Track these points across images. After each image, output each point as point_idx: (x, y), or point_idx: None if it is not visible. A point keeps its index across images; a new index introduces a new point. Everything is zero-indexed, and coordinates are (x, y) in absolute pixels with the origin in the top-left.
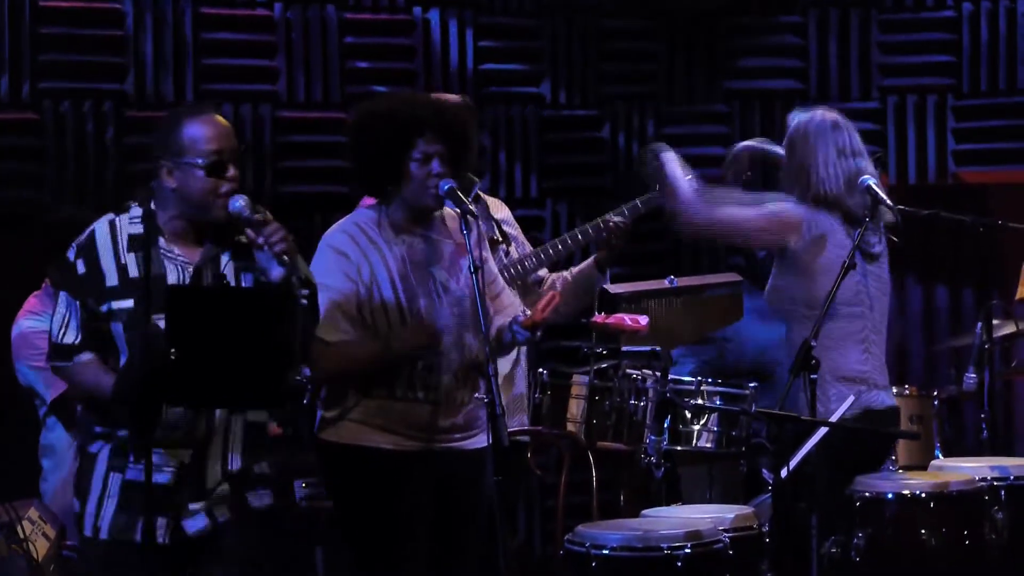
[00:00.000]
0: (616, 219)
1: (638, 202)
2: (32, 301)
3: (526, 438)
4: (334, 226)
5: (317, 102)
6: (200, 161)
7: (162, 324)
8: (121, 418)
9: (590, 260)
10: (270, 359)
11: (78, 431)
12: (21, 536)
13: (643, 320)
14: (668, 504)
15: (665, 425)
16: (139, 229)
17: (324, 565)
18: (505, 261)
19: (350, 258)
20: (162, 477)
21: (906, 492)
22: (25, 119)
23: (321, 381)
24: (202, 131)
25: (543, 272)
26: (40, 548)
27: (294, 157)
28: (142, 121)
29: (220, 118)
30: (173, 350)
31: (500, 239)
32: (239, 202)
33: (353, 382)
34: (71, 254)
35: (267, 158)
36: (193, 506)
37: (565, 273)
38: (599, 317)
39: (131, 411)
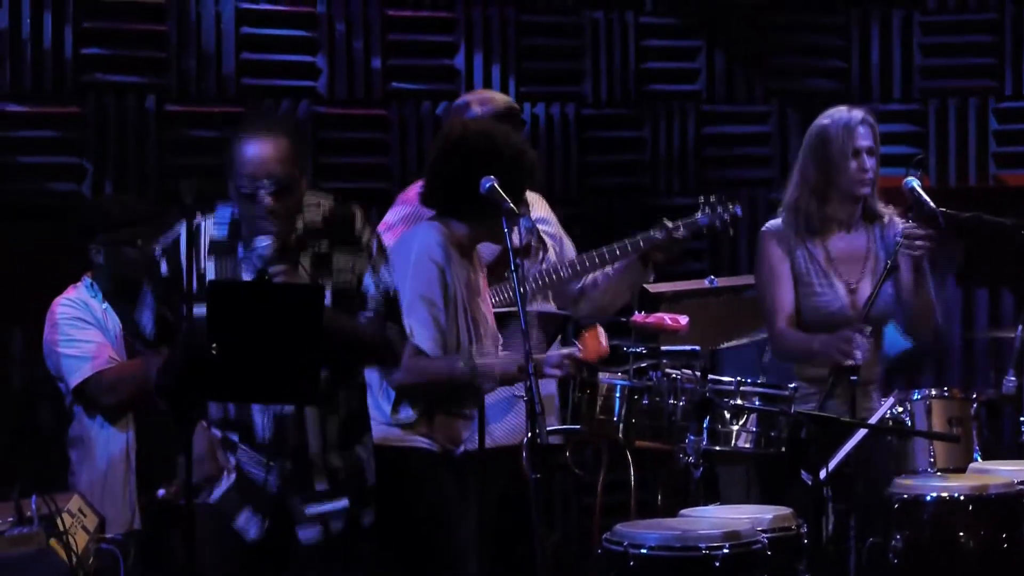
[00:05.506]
0: (683, 232)
1: (681, 224)
2: (70, 290)
3: (557, 439)
4: (428, 235)
5: (358, 99)
6: (237, 184)
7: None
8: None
9: (634, 256)
10: (308, 354)
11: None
12: (61, 529)
13: (683, 320)
14: (706, 504)
15: (704, 425)
16: (222, 233)
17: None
18: (541, 268)
19: (445, 276)
20: (271, 484)
21: (944, 494)
22: (67, 112)
23: (406, 388)
24: (246, 153)
25: (587, 279)
26: (79, 540)
27: (334, 154)
28: (183, 115)
29: (271, 139)
30: (214, 345)
31: (537, 243)
32: (263, 242)
33: (418, 393)
34: (157, 252)
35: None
36: (310, 510)
37: (608, 268)
38: (639, 316)
39: (172, 404)
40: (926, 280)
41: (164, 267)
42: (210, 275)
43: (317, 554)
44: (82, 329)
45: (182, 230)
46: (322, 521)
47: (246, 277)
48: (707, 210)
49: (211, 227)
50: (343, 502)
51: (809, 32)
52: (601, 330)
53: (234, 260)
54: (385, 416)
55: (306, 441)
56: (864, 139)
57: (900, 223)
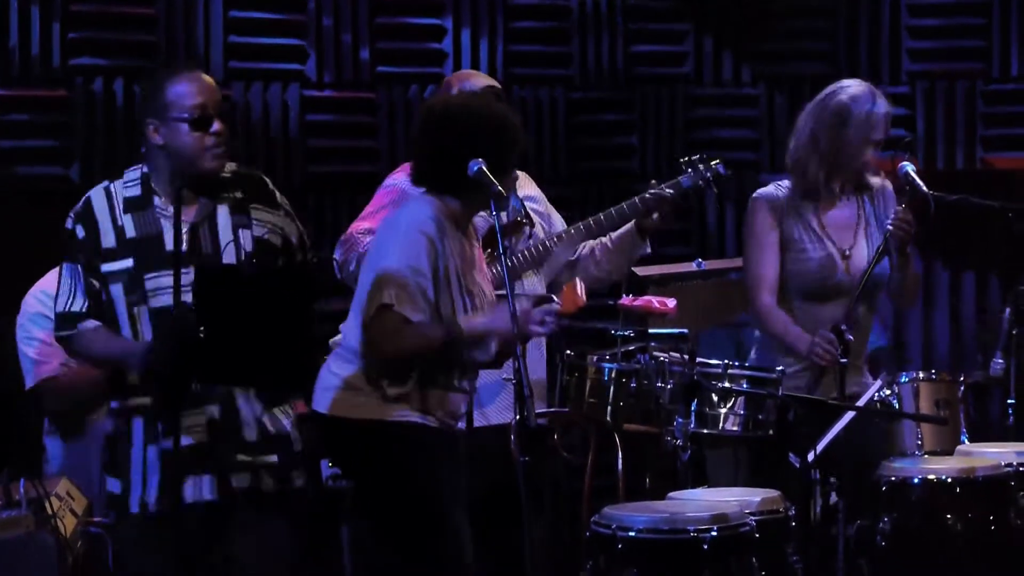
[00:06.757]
0: (668, 191)
1: (665, 186)
2: (50, 277)
3: (544, 421)
4: (419, 209)
5: (346, 82)
6: (185, 116)
7: (159, 283)
8: (139, 388)
9: (630, 226)
10: (297, 339)
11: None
12: (49, 512)
13: (671, 302)
14: (694, 487)
15: (692, 408)
16: (135, 192)
17: (350, 544)
18: (528, 243)
19: (436, 248)
20: (197, 437)
21: (932, 477)
22: (55, 96)
23: (393, 357)
24: (186, 87)
25: (583, 250)
26: (68, 524)
27: (323, 137)
28: None
29: (204, 75)
30: (202, 328)
31: (524, 220)
32: None
33: (409, 365)
34: (69, 222)
35: (296, 138)
36: (241, 458)
37: (604, 240)
38: (627, 299)
39: (160, 387)
40: (911, 259)
41: (80, 232)
42: (128, 230)
43: (249, 504)
44: (44, 328)
45: (92, 195)
46: (253, 470)
47: (165, 227)
48: (689, 171)
49: (122, 188)
50: (273, 457)
51: (797, 15)
52: (578, 281)
53: (152, 213)
54: (377, 391)
55: (232, 390)
56: (880, 133)
57: (890, 189)
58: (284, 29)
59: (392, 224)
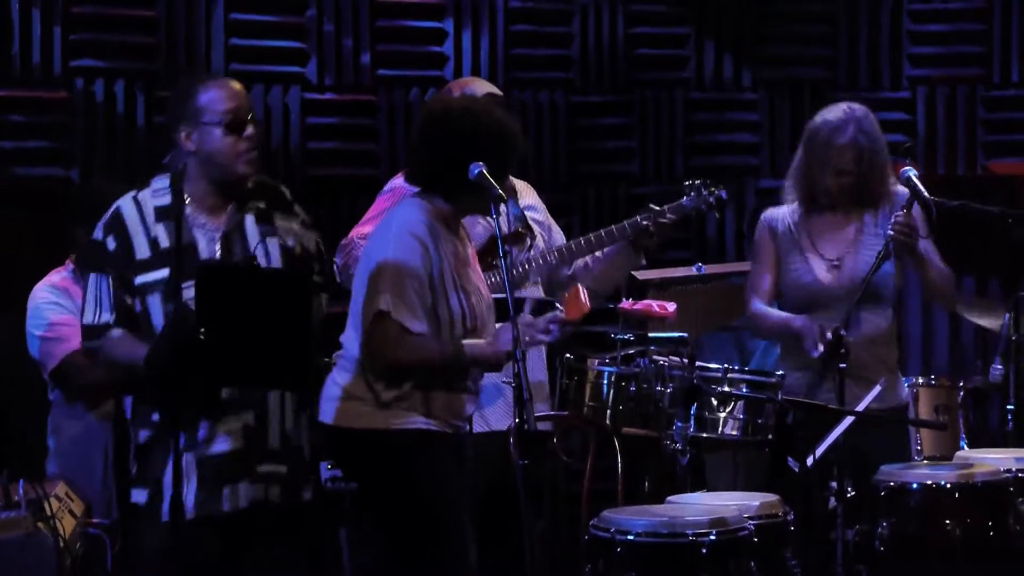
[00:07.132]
0: (670, 215)
1: (667, 208)
2: (52, 276)
3: (548, 425)
4: (410, 211)
5: (347, 85)
6: (218, 120)
7: (192, 294)
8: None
9: (623, 242)
10: (297, 340)
11: (132, 424)
12: (48, 514)
13: (671, 307)
14: (693, 491)
15: (691, 412)
16: (165, 200)
17: (348, 546)
18: (529, 255)
19: (429, 251)
20: (234, 443)
21: (931, 482)
22: (56, 97)
23: (393, 366)
24: (218, 93)
25: (578, 265)
26: (67, 525)
27: (324, 140)
28: None
29: (233, 82)
30: (203, 329)
31: (525, 230)
32: None
33: (409, 371)
34: (99, 233)
35: (297, 141)
36: (261, 468)
37: (599, 254)
38: (627, 303)
39: (160, 386)
40: (931, 257)
41: (112, 243)
42: (162, 240)
43: (260, 516)
44: (59, 314)
45: (122, 205)
46: (264, 481)
47: (198, 236)
48: (692, 193)
49: (151, 198)
50: (284, 468)
51: (798, 20)
52: (581, 288)
53: (183, 222)
54: (378, 398)
55: (267, 396)
56: (845, 164)
57: (901, 194)
58: (285, 32)
59: (383, 230)
